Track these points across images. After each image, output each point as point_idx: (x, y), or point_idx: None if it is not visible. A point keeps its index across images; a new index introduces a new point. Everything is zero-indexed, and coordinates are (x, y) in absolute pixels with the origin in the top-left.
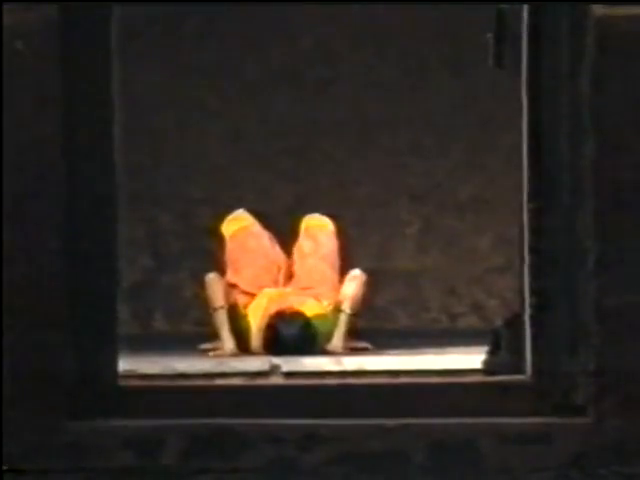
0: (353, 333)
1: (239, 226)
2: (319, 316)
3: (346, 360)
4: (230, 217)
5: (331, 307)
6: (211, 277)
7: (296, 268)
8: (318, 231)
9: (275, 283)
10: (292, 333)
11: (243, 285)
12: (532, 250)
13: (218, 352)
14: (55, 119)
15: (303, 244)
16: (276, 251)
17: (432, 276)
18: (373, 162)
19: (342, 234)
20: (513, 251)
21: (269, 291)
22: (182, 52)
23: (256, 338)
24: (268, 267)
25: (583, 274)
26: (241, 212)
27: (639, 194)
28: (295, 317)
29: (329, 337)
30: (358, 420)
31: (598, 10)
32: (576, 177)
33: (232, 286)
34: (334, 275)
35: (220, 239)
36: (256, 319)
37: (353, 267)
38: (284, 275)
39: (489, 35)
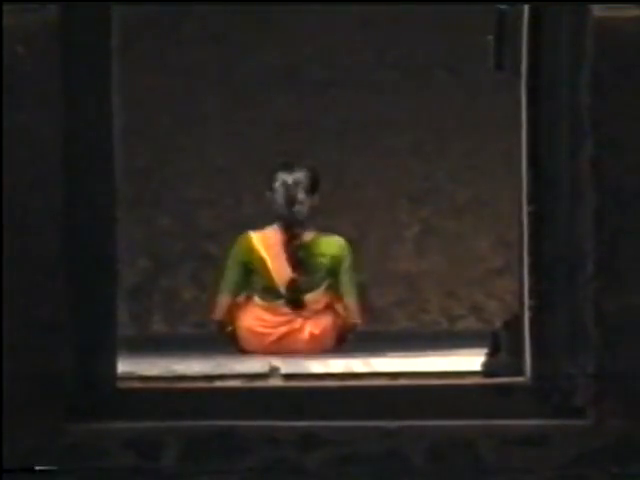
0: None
1: None
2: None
3: (345, 362)
4: None
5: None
6: None
7: None
8: None
9: None
10: None
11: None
12: (531, 252)
13: None
14: (55, 120)
15: None
16: None
17: (431, 278)
18: (373, 164)
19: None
20: (512, 253)
21: None
22: (182, 52)
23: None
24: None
25: (582, 276)
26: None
27: (638, 196)
28: None
29: None
30: (357, 422)
31: (598, 11)
32: (575, 179)
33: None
34: None
35: None
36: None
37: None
38: None
39: (489, 36)
